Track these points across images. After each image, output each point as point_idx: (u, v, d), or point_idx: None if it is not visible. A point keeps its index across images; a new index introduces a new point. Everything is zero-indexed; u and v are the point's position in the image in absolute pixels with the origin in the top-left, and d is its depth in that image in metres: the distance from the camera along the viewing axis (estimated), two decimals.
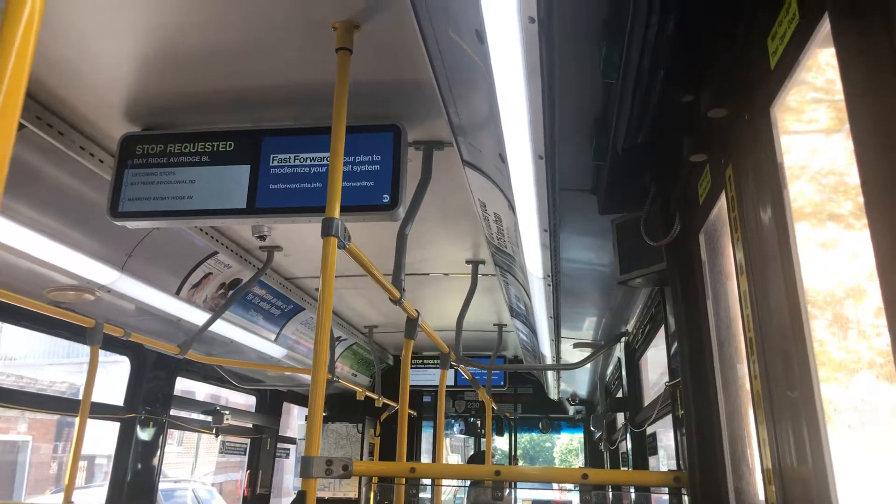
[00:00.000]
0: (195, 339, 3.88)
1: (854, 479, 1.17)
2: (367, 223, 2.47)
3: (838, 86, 1.00)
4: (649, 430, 4.28)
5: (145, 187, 2.56)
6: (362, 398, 6.16)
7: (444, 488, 4.44)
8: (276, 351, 4.93)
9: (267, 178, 2.51)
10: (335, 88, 2.02)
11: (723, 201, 1.57)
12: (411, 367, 6.70)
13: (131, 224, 2.58)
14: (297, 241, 3.79)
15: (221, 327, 4.18)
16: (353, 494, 7.11)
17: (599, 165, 2.15)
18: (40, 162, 2.66)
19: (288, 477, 7.31)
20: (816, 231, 1.46)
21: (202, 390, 6.29)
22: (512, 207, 2.46)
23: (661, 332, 3.01)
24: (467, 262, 4.07)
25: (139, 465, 4.55)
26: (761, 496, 1.49)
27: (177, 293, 3.74)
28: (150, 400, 4.67)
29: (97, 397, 4.16)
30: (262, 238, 3.62)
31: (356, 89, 2.14)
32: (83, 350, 3.45)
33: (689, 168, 1.80)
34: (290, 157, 2.51)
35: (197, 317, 3.94)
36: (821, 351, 1.27)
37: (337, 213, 1.98)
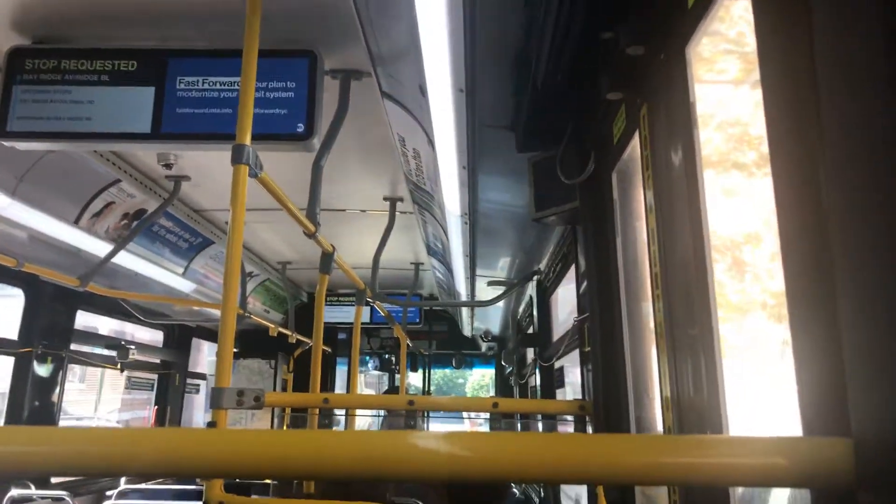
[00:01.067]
0: (96, 271, 3.71)
1: (741, 408, 1.26)
2: (280, 155, 2.38)
3: (749, 38, 1.02)
4: (557, 365, 4.46)
5: (37, 106, 2.37)
6: (275, 334, 6.10)
7: (357, 422, 4.49)
8: (185, 285, 4.78)
9: (173, 101, 2.37)
10: (247, 9, 1.91)
11: (636, 141, 1.60)
12: (327, 304, 6.67)
13: (21, 145, 2.39)
14: (207, 171, 3.64)
15: (125, 259, 4.00)
16: (266, 428, 7.11)
17: (519, 101, 2.15)
18: None
19: (198, 413, 7.21)
20: (721, 178, 1.52)
21: (106, 325, 6.04)
22: (431, 143, 2.43)
23: (572, 272, 3.10)
24: (385, 198, 4.03)
25: (37, 402, 4.36)
26: (659, 424, 1.58)
27: (75, 222, 3.54)
28: (48, 334, 4.45)
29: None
30: (169, 167, 3.45)
31: (270, 12, 2.03)
32: None
33: (605, 107, 1.82)
34: (198, 81, 2.38)
35: (98, 248, 3.74)
36: (719, 294, 1.34)
37: (248, 140, 1.90)
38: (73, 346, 4.71)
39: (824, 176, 0.69)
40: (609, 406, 1.94)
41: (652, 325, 1.58)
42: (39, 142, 2.40)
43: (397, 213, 4.08)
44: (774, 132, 0.88)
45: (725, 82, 1.55)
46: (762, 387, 1.41)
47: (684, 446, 0.65)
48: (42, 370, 4.41)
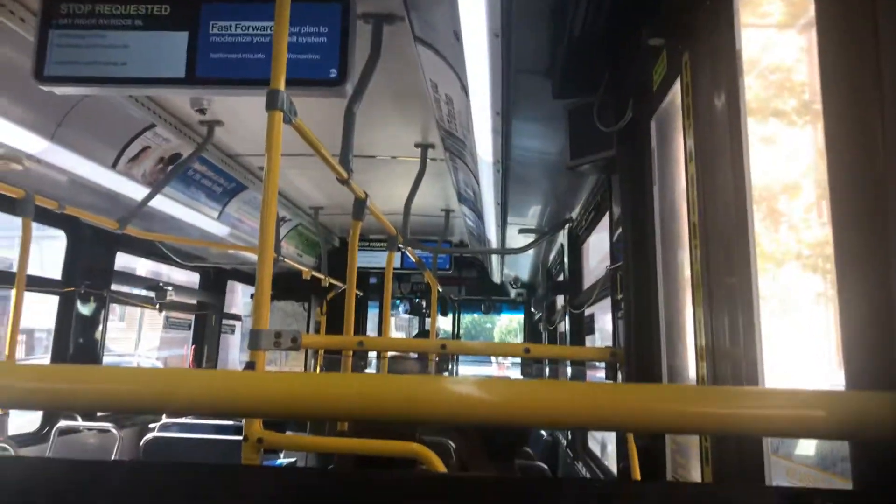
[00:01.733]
0: (134, 214, 3.78)
1: (773, 359, 1.26)
2: (312, 101, 2.37)
3: None
4: (587, 312, 4.47)
5: (74, 50, 2.39)
6: (308, 277, 6.19)
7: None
8: (219, 229, 4.86)
9: (207, 46, 2.36)
10: None
11: (677, 88, 1.56)
12: (359, 250, 6.73)
13: (59, 89, 2.42)
14: (240, 116, 3.65)
15: (162, 203, 4.06)
16: (299, 369, 7.30)
17: (556, 47, 2.10)
18: None
19: (234, 352, 7.42)
20: (759, 127, 1.48)
21: (144, 266, 6.19)
22: (465, 89, 2.40)
23: (605, 220, 3.07)
24: (416, 145, 4.01)
25: (81, 339, 4.52)
26: (693, 373, 1.59)
27: (113, 166, 3.59)
28: (90, 274, 4.58)
29: (35, 271, 4.06)
30: (202, 112, 3.46)
31: None
32: (15, 222, 3.32)
33: (645, 53, 1.77)
34: (231, 26, 2.36)
35: (136, 192, 3.81)
36: (756, 243, 1.32)
37: (282, 86, 1.90)
38: (113, 287, 4.85)
39: (882, 120, 0.67)
40: (641, 354, 1.95)
41: (687, 274, 1.57)
42: (76, 86, 2.42)
43: (428, 159, 4.07)
44: (828, 73, 0.86)
45: (768, 26, 1.50)
46: (794, 338, 1.40)
47: (719, 396, 0.65)
48: (85, 309, 4.56)
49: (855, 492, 0.70)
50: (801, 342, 1.40)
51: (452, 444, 2.45)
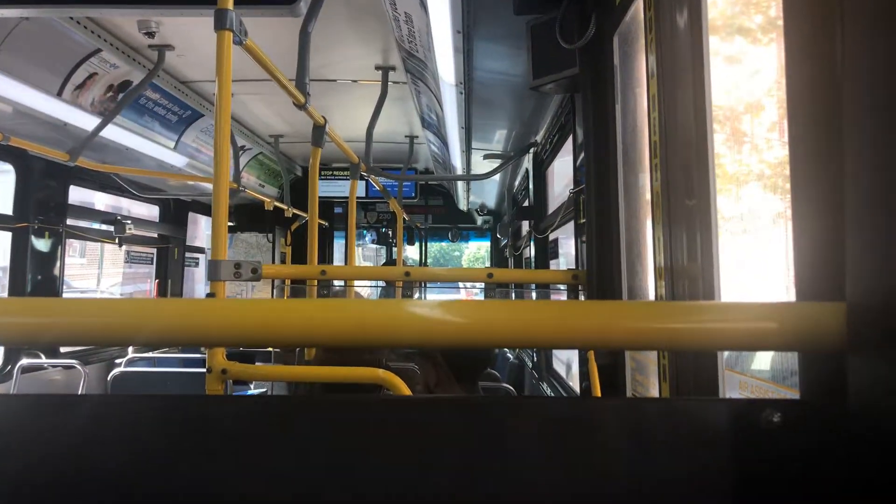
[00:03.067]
0: (85, 145, 3.65)
1: (733, 280, 1.27)
2: (266, 23, 2.27)
3: None
4: (552, 237, 4.50)
5: None
6: (271, 208, 6.11)
7: (356, 290, 4.59)
8: (177, 159, 4.72)
9: None
10: None
11: (640, 2, 1.52)
12: (321, 179, 6.64)
13: None
14: (192, 39, 3.48)
15: (114, 133, 3.92)
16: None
17: None
18: None
19: (199, 287, 7.35)
20: (724, 45, 1.45)
21: (102, 201, 6.02)
22: (423, 5, 2.31)
23: (569, 144, 3.05)
24: (377, 67, 3.89)
25: (39, 277, 4.43)
26: (651, 293, 1.61)
27: (58, 94, 3.43)
28: (43, 209, 4.44)
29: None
30: (151, 35, 3.30)
31: None
32: None
33: None
34: None
35: (85, 121, 3.66)
36: (717, 165, 1.31)
37: (231, 5, 1.80)
38: (69, 222, 4.72)
39: (842, 35, 0.65)
40: (602, 275, 1.97)
41: (648, 196, 1.57)
42: (11, 7, 2.27)
43: (390, 83, 3.96)
44: None
45: None
46: (754, 258, 1.42)
47: (675, 311, 0.65)
48: (40, 245, 4.44)
49: (803, 401, 0.72)
50: (759, 261, 1.42)
51: (417, 370, 2.49)
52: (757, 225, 1.43)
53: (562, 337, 0.67)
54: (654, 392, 1.45)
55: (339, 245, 8.90)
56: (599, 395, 1.90)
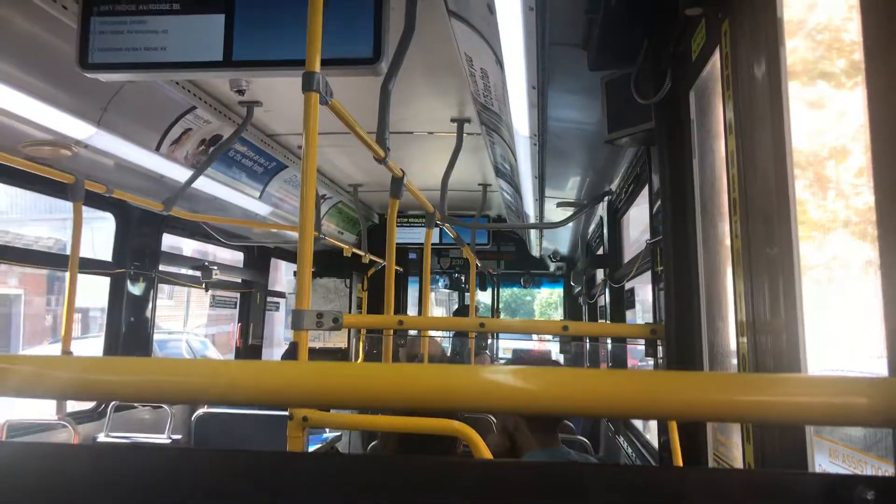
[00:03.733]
0: (179, 195, 3.87)
1: (818, 332, 1.23)
2: (348, 79, 2.38)
3: None
4: (627, 286, 4.43)
5: (115, 37, 2.43)
6: (349, 255, 6.26)
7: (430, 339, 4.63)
8: (261, 208, 4.93)
9: (243, 28, 2.38)
10: None
11: (716, 58, 1.52)
12: (398, 226, 6.77)
13: (103, 76, 2.47)
14: (278, 96, 3.68)
15: (205, 184, 4.14)
16: (342, 345, 7.42)
17: (591, 18, 2.05)
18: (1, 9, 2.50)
19: (279, 329, 7.58)
20: (806, 90, 1.43)
21: (190, 247, 6.34)
22: (499, 62, 2.37)
23: (645, 192, 3.02)
24: (452, 120, 3.99)
25: (132, 318, 4.68)
26: (734, 348, 1.57)
27: (157, 149, 3.67)
28: (138, 256, 4.72)
29: (86, 253, 4.20)
30: (241, 93, 3.50)
31: None
32: (66, 206, 3.43)
33: (683, 22, 1.72)
34: (265, 6, 2.37)
35: (179, 173, 3.89)
36: (800, 210, 1.29)
37: (317, 67, 1.91)
38: (161, 267, 4.99)
39: None
40: (681, 330, 1.93)
41: (728, 248, 1.54)
42: (119, 73, 2.47)
43: (465, 134, 4.05)
44: (871, 34, 0.82)
45: None
46: (843, 307, 1.37)
47: (759, 384, 0.64)
48: (135, 289, 4.70)
49: None
50: (847, 311, 1.37)
51: (493, 419, 2.48)
52: (844, 273, 1.38)
53: (644, 409, 0.67)
54: (738, 454, 1.40)
55: (413, 290, 9.01)
56: (679, 453, 1.85)
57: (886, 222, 0.71)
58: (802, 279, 1.21)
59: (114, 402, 4.26)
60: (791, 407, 0.62)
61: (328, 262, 7.35)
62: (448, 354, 6.64)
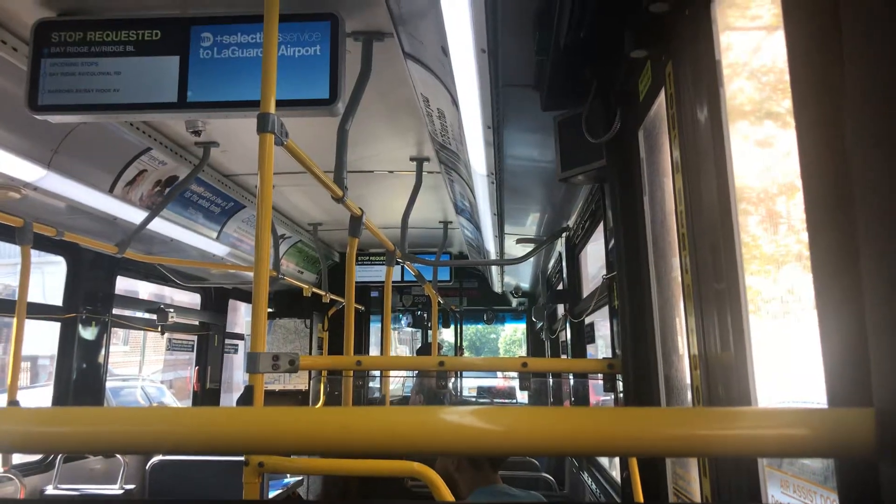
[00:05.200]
0: (133, 237, 3.80)
1: (775, 365, 1.26)
2: (307, 119, 2.39)
3: None
4: (588, 320, 4.47)
5: (66, 78, 2.41)
6: (309, 294, 6.20)
7: (392, 379, 4.59)
8: (219, 249, 4.87)
9: (198, 69, 2.38)
10: None
11: (662, 98, 1.57)
12: (358, 264, 6.75)
13: (53, 118, 2.44)
14: (234, 136, 3.67)
15: (160, 226, 4.08)
16: (303, 387, 7.29)
17: (542, 60, 2.11)
18: None
19: (238, 372, 7.42)
20: (754, 129, 1.49)
21: (145, 289, 6.20)
22: (455, 103, 2.41)
23: (601, 228, 3.08)
24: (411, 159, 4.02)
25: (84, 365, 4.53)
26: (688, 381, 1.59)
27: (110, 191, 3.61)
28: (91, 299, 4.59)
29: (36, 298, 4.07)
30: (198, 133, 3.48)
31: None
32: (14, 250, 3.34)
33: (630, 64, 1.78)
34: (220, 48, 2.38)
35: (134, 215, 3.83)
36: (753, 245, 1.32)
37: (272, 108, 1.91)
38: (115, 311, 4.86)
39: (848, 126, 0.68)
40: (638, 365, 1.95)
41: (679, 280, 1.58)
42: (70, 114, 2.44)
43: (424, 172, 4.08)
44: (798, 78, 0.86)
45: (758, 28, 1.50)
46: (798, 336, 1.39)
47: (708, 418, 0.65)
48: (87, 334, 4.56)
49: None
50: (799, 340, 1.40)
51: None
52: (797, 307, 1.41)
53: (600, 446, 0.68)
54: (696, 487, 1.41)
55: (375, 328, 8.94)
56: (639, 488, 1.85)
57: (818, 257, 0.74)
58: (750, 314, 1.24)
59: (62, 454, 4.09)
60: (739, 440, 0.63)
61: (288, 303, 7.26)
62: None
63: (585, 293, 4.37)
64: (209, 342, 6.40)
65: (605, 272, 2.83)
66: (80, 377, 4.49)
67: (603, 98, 2.04)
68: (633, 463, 1.90)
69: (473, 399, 10.53)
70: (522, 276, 7.66)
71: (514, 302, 9.28)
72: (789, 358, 1.33)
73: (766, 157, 1.51)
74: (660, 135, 1.71)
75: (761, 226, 1.51)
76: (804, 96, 0.83)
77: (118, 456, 4.28)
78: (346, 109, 2.49)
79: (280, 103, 2.01)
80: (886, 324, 0.60)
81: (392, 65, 2.64)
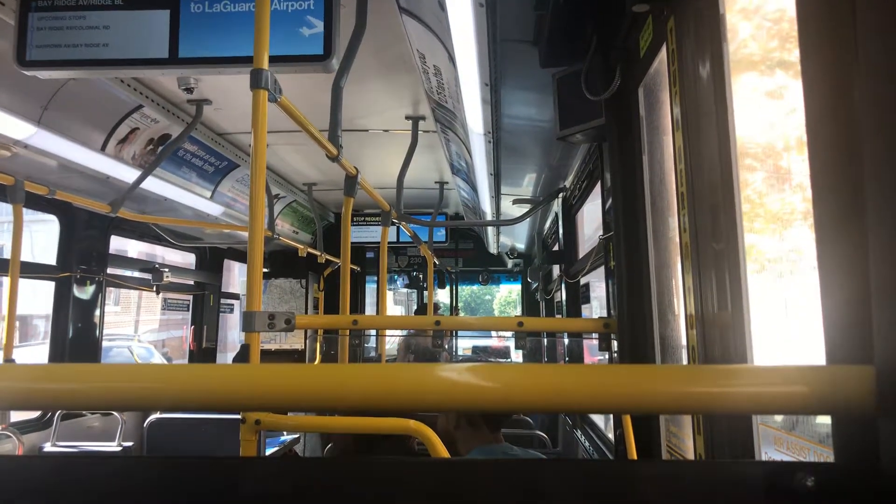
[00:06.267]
0: (126, 196, 3.76)
1: (774, 323, 1.25)
2: (300, 76, 2.34)
3: None
4: (583, 281, 4.48)
5: (54, 33, 2.35)
6: (304, 255, 6.19)
7: (388, 339, 4.61)
8: (213, 208, 4.84)
9: (189, 24, 2.33)
10: None
11: (663, 54, 1.54)
12: (354, 225, 6.73)
13: (42, 73, 2.38)
14: (228, 93, 3.61)
15: (154, 185, 4.04)
16: (299, 346, 7.34)
17: (542, 15, 2.07)
18: None
19: (233, 332, 7.45)
20: (764, 80, 1.44)
21: (139, 249, 6.18)
22: (452, 59, 2.37)
23: (598, 189, 3.06)
24: (407, 117, 3.97)
25: (79, 324, 4.53)
26: (684, 341, 1.60)
27: (102, 149, 3.57)
28: (85, 259, 4.57)
29: (30, 257, 4.06)
30: (190, 91, 3.43)
31: None
32: (5, 209, 3.31)
33: (631, 19, 1.74)
34: (212, 2, 2.32)
35: (127, 174, 3.79)
36: (758, 203, 1.31)
37: (265, 64, 1.87)
38: (109, 270, 4.84)
39: (857, 86, 0.66)
40: (633, 324, 1.95)
41: (677, 239, 1.57)
42: (59, 70, 2.39)
43: (420, 132, 4.04)
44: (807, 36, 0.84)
45: None
46: (800, 297, 1.38)
47: (706, 376, 0.65)
48: (82, 293, 4.56)
49: (836, 465, 0.70)
50: (806, 299, 1.39)
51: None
52: (802, 265, 1.39)
53: (595, 403, 0.67)
54: (689, 445, 1.42)
55: (370, 289, 8.96)
56: (633, 445, 1.87)
57: (821, 214, 0.73)
58: (749, 272, 1.23)
59: (60, 411, 4.12)
60: (737, 398, 0.63)
61: (283, 262, 7.25)
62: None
63: (581, 254, 4.38)
64: (204, 302, 6.41)
65: (601, 233, 2.82)
66: (76, 337, 4.50)
67: (603, 54, 2.00)
68: (627, 420, 1.92)
69: (469, 359, 10.65)
70: (518, 237, 7.65)
71: (510, 263, 9.29)
72: (800, 317, 1.32)
73: (777, 108, 1.47)
74: (660, 92, 1.68)
75: (767, 182, 1.48)
76: (812, 48, 0.81)
77: (116, 413, 4.31)
78: (341, 66, 2.44)
79: (273, 59, 1.96)
80: (890, 282, 0.59)
81: (387, 20, 2.59)
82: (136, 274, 5.47)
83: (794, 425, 1.08)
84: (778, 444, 1.10)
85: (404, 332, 5.10)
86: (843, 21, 0.70)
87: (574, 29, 1.96)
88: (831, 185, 0.71)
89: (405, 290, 10.55)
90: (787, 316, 1.32)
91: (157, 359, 11.42)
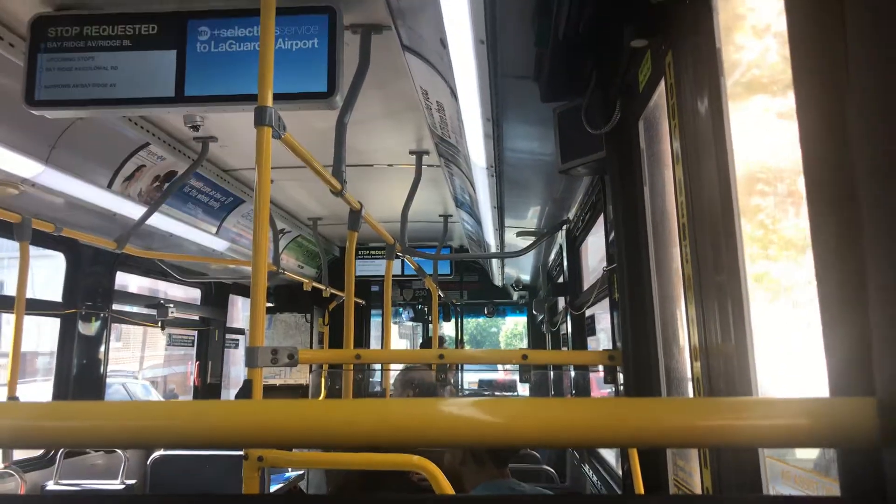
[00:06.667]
0: (132, 232, 3.79)
1: (790, 353, 1.24)
2: (305, 112, 2.38)
3: None
4: (588, 313, 4.46)
5: (62, 73, 2.40)
6: (309, 289, 6.20)
7: (392, 373, 4.59)
8: (218, 244, 4.86)
9: (195, 64, 2.37)
10: None
11: (662, 88, 1.56)
12: (358, 258, 6.74)
13: (50, 113, 2.43)
14: (233, 130, 3.65)
15: (159, 221, 4.07)
16: (304, 381, 7.29)
17: (542, 52, 2.10)
18: None
19: (238, 367, 7.43)
20: (776, 101, 1.44)
21: (145, 285, 6.20)
22: (454, 95, 2.40)
23: (601, 220, 3.07)
24: (411, 152, 4.01)
25: (84, 360, 4.53)
26: (689, 373, 1.59)
27: (109, 186, 3.60)
28: (90, 295, 4.59)
29: (30, 292, 4.06)
30: (196, 128, 3.47)
31: None
32: (12, 246, 3.33)
33: (630, 55, 1.77)
34: (217, 42, 2.37)
35: (133, 210, 3.82)
36: (772, 229, 1.30)
37: (270, 102, 1.90)
38: (115, 306, 4.85)
39: (851, 111, 0.67)
40: (638, 356, 1.94)
41: (680, 271, 1.57)
42: (67, 109, 2.43)
43: (424, 166, 4.07)
44: (800, 68, 0.85)
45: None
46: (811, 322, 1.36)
47: (710, 409, 0.65)
48: (87, 330, 4.56)
49: (843, 499, 0.70)
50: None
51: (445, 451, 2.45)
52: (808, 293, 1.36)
53: (600, 437, 0.67)
54: (696, 479, 1.40)
55: (375, 323, 8.94)
56: (640, 479, 1.85)
57: (820, 246, 0.73)
58: (762, 300, 1.23)
59: (63, 449, 4.10)
60: (740, 431, 0.62)
61: (288, 297, 7.25)
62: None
63: (586, 286, 4.37)
64: (209, 337, 6.40)
65: (605, 264, 2.82)
66: (80, 373, 4.49)
67: (602, 89, 2.03)
68: (634, 454, 1.90)
69: (475, 392, 10.56)
70: (523, 269, 7.65)
71: (515, 295, 9.27)
72: (810, 346, 1.30)
73: (787, 131, 1.46)
74: (660, 125, 1.70)
75: (780, 207, 1.47)
76: (806, 81, 0.82)
77: (119, 451, 4.28)
78: (345, 103, 2.47)
79: (278, 97, 2.00)
80: (890, 313, 0.59)
81: (391, 58, 2.63)
82: (142, 310, 5.48)
83: (805, 462, 1.06)
84: (785, 477, 1.09)
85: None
86: (834, 35, 0.71)
87: (574, 65, 1.99)
88: (829, 215, 0.72)
89: (410, 323, 10.51)
90: (804, 345, 1.31)
91: (154, 396, 11.29)
